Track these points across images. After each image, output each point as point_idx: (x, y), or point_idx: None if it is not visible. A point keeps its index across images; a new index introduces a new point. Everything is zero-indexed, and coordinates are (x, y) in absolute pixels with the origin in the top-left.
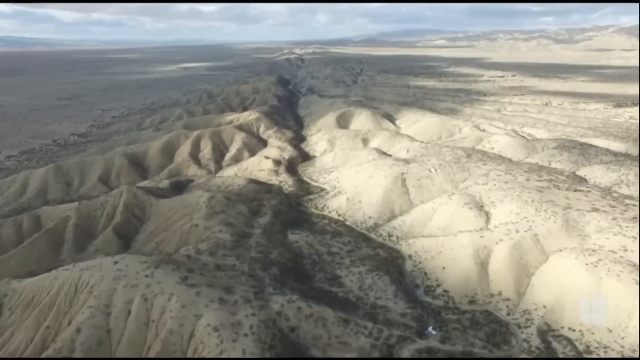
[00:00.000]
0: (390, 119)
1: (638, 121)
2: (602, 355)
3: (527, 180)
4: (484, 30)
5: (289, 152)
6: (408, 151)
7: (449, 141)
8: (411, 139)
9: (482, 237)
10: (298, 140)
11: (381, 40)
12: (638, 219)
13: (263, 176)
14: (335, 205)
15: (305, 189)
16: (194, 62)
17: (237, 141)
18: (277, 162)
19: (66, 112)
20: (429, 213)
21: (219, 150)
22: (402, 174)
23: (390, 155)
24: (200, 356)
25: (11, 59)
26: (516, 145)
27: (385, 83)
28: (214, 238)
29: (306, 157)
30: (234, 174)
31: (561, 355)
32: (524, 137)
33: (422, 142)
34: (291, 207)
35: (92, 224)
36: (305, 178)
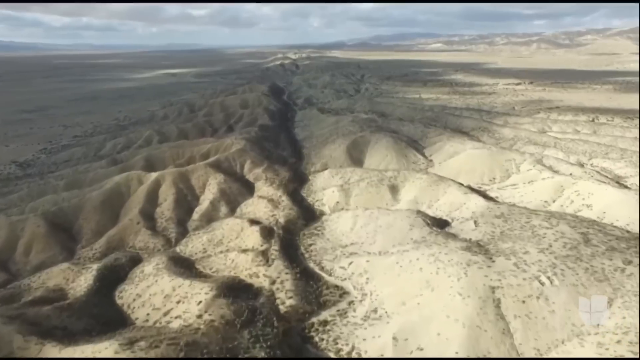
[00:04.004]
0: (418, 147)
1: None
2: None
3: None
4: (481, 34)
5: (284, 208)
6: (476, 223)
7: (509, 187)
8: (463, 188)
9: None
10: (297, 181)
11: (375, 44)
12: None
13: (244, 264)
14: (373, 350)
15: (314, 295)
16: (183, 67)
17: (212, 188)
18: (268, 232)
19: (23, 129)
20: None
21: (185, 203)
22: (493, 289)
23: (446, 228)
24: None
25: None
26: (630, 203)
27: (392, 93)
28: None
29: (309, 214)
30: (201, 249)
31: None
32: (599, 173)
33: (479, 193)
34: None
35: None
36: (311, 264)
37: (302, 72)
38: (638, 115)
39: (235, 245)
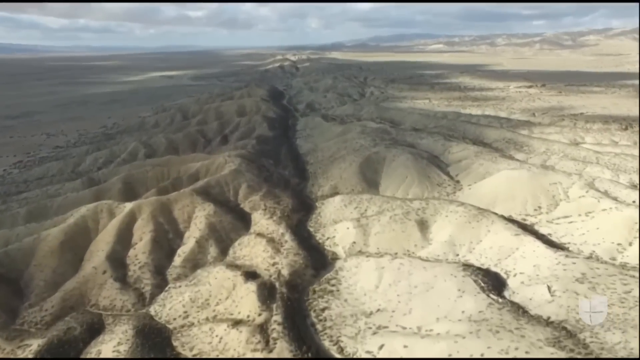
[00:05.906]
0: (440, 165)
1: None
2: None
3: None
4: (481, 34)
5: (288, 253)
6: (550, 290)
7: (562, 220)
8: (511, 227)
9: None
10: (302, 209)
11: (374, 45)
12: None
13: (236, 346)
14: None
15: None
16: (180, 69)
17: (199, 222)
18: (267, 292)
19: (2, 138)
20: None
21: (166, 243)
22: None
23: (505, 293)
24: None
25: None
26: None
27: (399, 97)
28: None
29: (319, 257)
30: (182, 313)
31: None
32: None
33: (532, 233)
34: None
35: None
36: (327, 343)
37: (302, 75)
38: (638, 122)
39: (224, 310)
